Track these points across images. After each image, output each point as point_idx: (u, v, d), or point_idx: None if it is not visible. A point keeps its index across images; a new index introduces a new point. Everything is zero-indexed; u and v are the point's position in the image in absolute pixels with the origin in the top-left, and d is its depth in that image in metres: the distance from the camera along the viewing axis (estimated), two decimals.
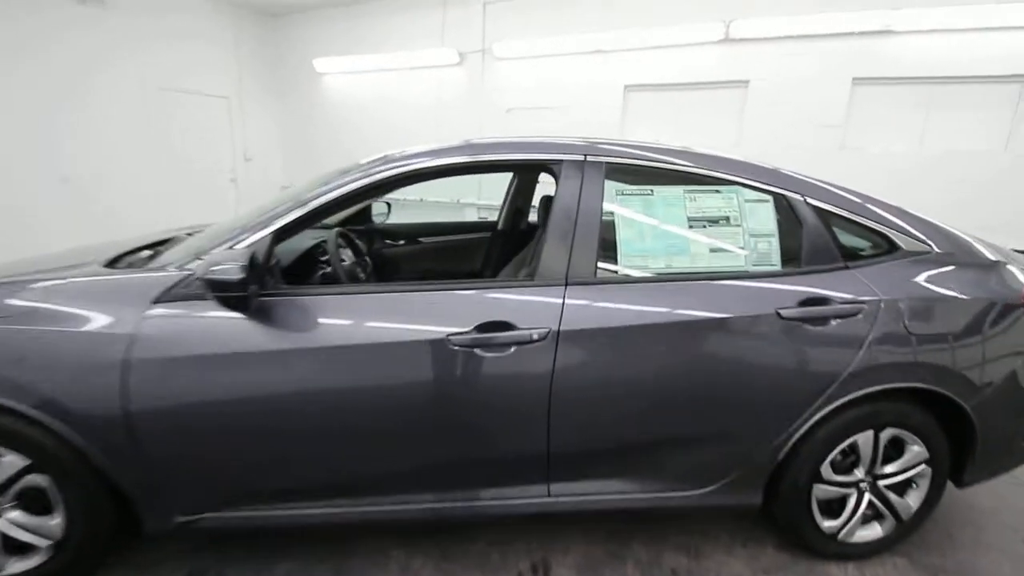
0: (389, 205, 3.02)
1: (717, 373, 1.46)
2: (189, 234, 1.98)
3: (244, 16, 6.77)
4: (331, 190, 1.44)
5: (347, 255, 1.93)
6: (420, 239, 2.95)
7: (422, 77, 6.15)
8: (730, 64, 4.68)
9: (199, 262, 1.33)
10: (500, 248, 2.86)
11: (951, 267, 1.58)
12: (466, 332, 1.36)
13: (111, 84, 5.51)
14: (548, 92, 5.47)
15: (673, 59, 4.88)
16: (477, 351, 1.36)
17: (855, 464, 1.63)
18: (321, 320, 1.36)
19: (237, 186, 7.05)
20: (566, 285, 1.43)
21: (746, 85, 4.67)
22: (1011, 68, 3.91)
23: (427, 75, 6.11)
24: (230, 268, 1.17)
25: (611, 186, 1.52)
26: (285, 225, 1.40)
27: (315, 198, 1.43)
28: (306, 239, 1.89)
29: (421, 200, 5.98)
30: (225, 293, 1.22)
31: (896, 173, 4.25)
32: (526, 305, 1.42)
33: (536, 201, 2.94)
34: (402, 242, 2.93)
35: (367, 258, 2.55)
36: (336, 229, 1.80)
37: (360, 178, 1.45)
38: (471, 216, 5.84)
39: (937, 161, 4.22)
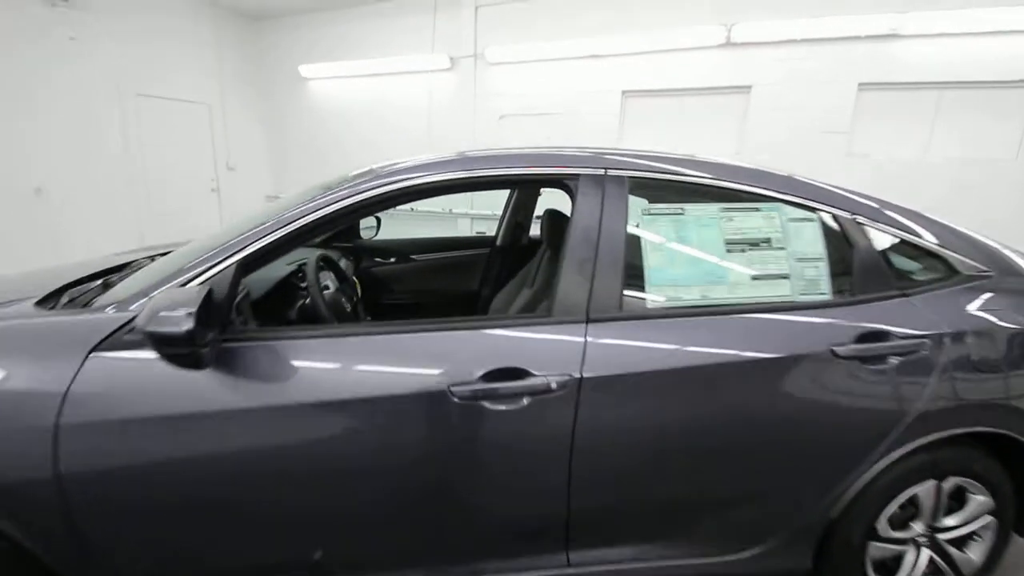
0: (379, 220, 2.79)
1: (764, 422, 1.26)
2: (152, 257, 1.74)
3: (226, 20, 6.53)
4: (309, 212, 1.21)
5: (330, 280, 1.70)
6: (412, 256, 2.72)
7: (412, 83, 5.94)
8: (732, 69, 4.53)
9: (145, 302, 1.10)
10: (499, 266, 2.65)
11: (1016, 294, 1.40)
12: (470, 382, 1.14)
13: (85, 90, 5.24)
14: (543, 99, 5.29)
15: (673, 64, 4.72)
16: (484, 404, 1.14)
17: (913, 517, 1.43)
18: (297, 370, 1.13)
19: (220, 196, 6.77)
20: (587, 321, 1.21)
21: (748, 91, 4.52)
22: (1022, 73, 3.78)
23: (417, 81, 5.90)
24: (176, 317, 0.93)
25: (635, 204, 1.31)
26: (253, 253, 1.17)
27: (289, 221, 1.21)
28: (282, 264, 1.67)
29: (412, 210, 5.75)
30: (172, 350, 0.98)
31: (902, 181, 4.11)
32: (541, 346, 1.20)
33: (537, 214, 2.79)
34: (393, 260, 2.70)
35: (354, 279, 2.33)
36: (317, 253, 1.58)
37: (344, 197, 1.23)
38: (464, 227, 5.63)
39: (945, 169, 4.09)
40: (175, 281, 1.12)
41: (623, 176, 1.31)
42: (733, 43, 4.44)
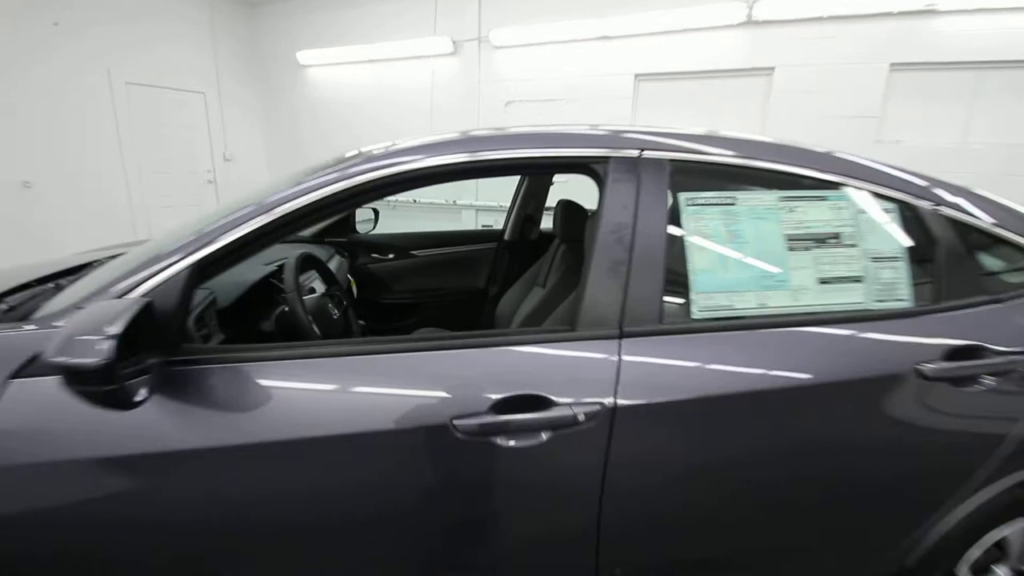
0: (376, 212, 2.57)
1: (835, 457, 1.04)
2: (113, 257, 1.53)
3: (219, 5, 6.27)
4: (279, 204, 0.99)
5: (317, 282, 1.49)
6: (413, 252, 2.50)
7: (413, 69, 5.68)
8: (753, 49, 4.25)
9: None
10: (507, 262, 2.43)
11: None
12: (478, 413, 0.92)
13: (73, 78, 5.02)
14: (551, 83, 5.02)
15: (689, 45, 4.44)
16: (495, 440, 0.92)
17: (998, 560, 1.22)
18: (262, 399, 0.91)
19: (217, 188, 6.56)
20: (621, 336, 0.99)
21: (771, 72, 4.24)
22: None
23: (419, 67, 5.64)
24: (91, 344, 0.71)
25: (676, 193, 1.08)
26: (213, 255, 0.95)
27: (257, 215, 0.98)
28: (259, 264, 1.45)
29: (415, 201, 5.54)
30: (85, 387, 0.75)
31: (938, 168, 3.81)
32: (563, 367, 0.98)
33: (543, 206, 2.56)
34: (391, 256, 2.48)
35: (348, 277, 2.11)
36: (298, 252, 1.35)
37: (322, 186, 1.00)
38: (469, 220, 5.39)
39: (983, 155, 3.82)
40: (110, 291, 0.90)
41: (662, 159, 1.07)
42: (755, 21, 4.16)
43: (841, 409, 1.02)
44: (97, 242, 1.65)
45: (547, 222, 2.46)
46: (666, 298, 1.02)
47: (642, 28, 4.51)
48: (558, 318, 1.48)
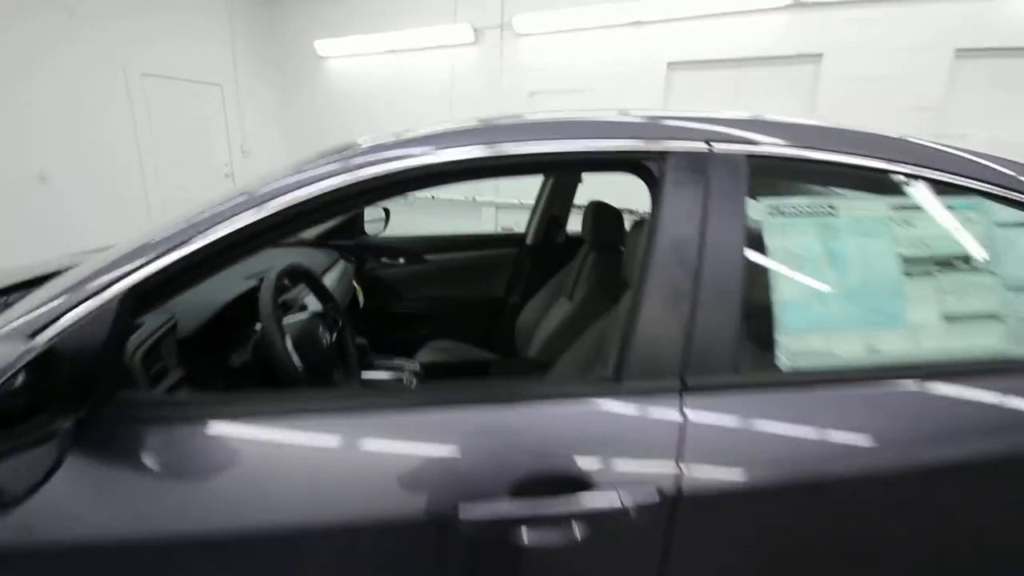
0: (387, 212, 2.35)
1: (974, 558, 0.78)
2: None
3: None
4: (227, 218, 0.76)
5: (310, 298, 1.27)
6: (426, 257, 2.28)
7: (433, 59, 5.46)
8: (799, 35, 3.90)
9: None
10: (530, 270, 2.19)
11: None
12: (491, 497, 0.69)
13: (88, 70, 4.94)
14: (577, 72, 4.73)
15: (728, 29, 4.10)
16: (513, 535, 0.69)
17: None
18: (204, 472, 0.69)
19: (234, 182, 6.46)
20: (683, 390, 0.74)
21: (819, 60, 3.89)
22: None
23: (438, 57, 5.42)
24: None
25: (753, 199, 0.83)
26: (152, 278, 0.73)
27: (222, 220, 0.76)
28: (239, 279, 1.23)
29: (433, 198, 5.33)
30: None
31: None
32: (606, 432, 0.73)
33: (571, 206, 2.30)
34: (402, 260, 2.26)
35: (355, 285, 1.90)
36: (281, 267, 1.13)
37: (290, 190, 0.77)
38: (489, 218, 5.15)
39: None
40: (15, 329, 0.69)
41: (738, 154, 0.81)
42: (801, 3, 3.82)
43: (985, 492, 0.76)
44: (112, 236, 1.46)
45: (574, 223, 2.22)
46: (744, 338, 0.77)
47: (677, 12, 4.19)
48: (589, 350, 1.24)
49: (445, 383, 0.77)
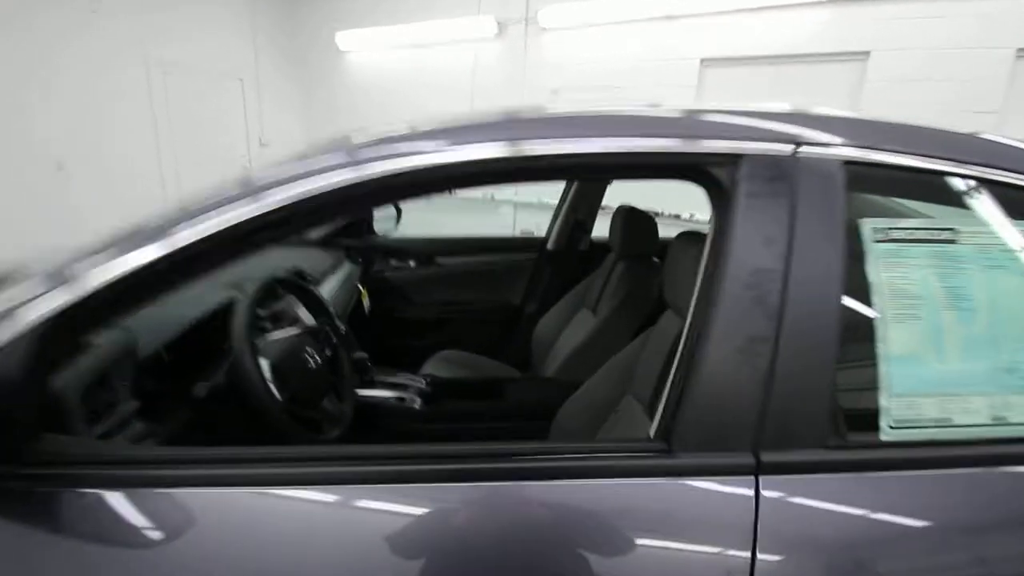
0: (399, 210, 2.20)
1: None
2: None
3: None
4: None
5: (301, 312, 1.11)
6: (438, 260, 2.12)
7: (456, 53, 5.31)
8: (844, 30, 3.65)
9: None
10: (550, 277, 2.02)
11: None
12: None
13: (109, 60, 4.90)
14: (603, 69, 4.54)
15: (765, 25, 3.87)
16: None
17: None
18: (145, 553, 0.54)
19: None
20: (759, 469, 0.56)
21: (865, 58, 3.63)
22: None
23: (461, 51, 5.27)
24: None
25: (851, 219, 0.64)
26: (62, 316, 0.57)
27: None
28: (217, 289, 1.08)
29: (451, 194, 5.18)
30: None
31: None
32: (652, 520, 0.56)
33: (597, 210, 2.12)
34: (412, 263, 2.11)
35: (359, 287, 1.76)
36: (266, 280, 0.96)
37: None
38: (507, 216, 4.98)
39: None
40: None
41: (833, 159, 0.63)
42: None
43: None
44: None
45: (599, 229, 2.04)
46: (843, 402, 0.59)
47: (712, 6, 3.96)
48: (619, 378, 1.07)
49: (449, 446, 0.61)
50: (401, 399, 1.33)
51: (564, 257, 2.06)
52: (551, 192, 2.16)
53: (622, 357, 1.18)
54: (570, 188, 2.03)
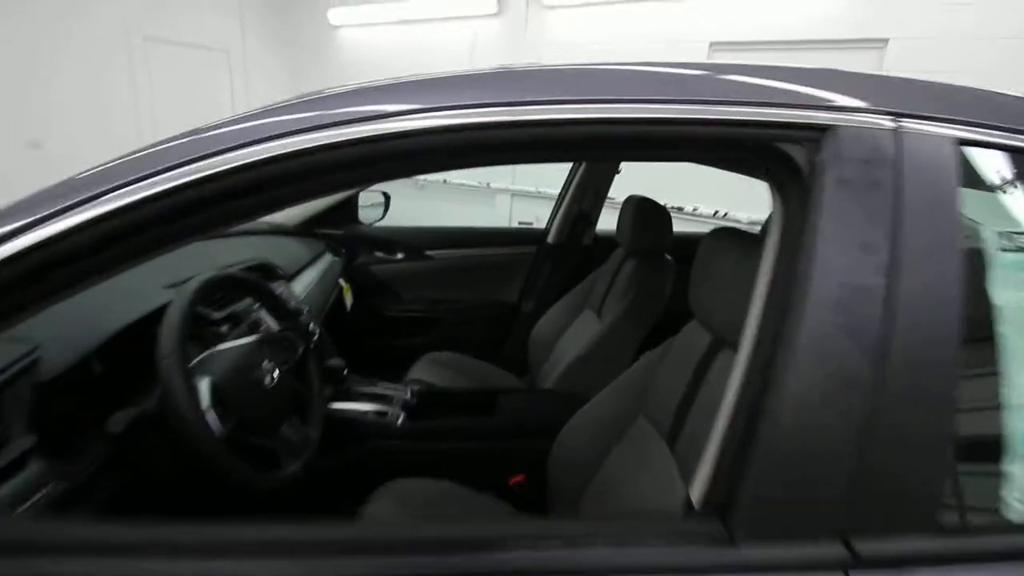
0: (387, 197, 2.03)
1: None
2: None
3: None
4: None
5: (266, 319, 0.94)
6: (428, 252, 1.95)
7: (453, 30, 5.10)
8: (861, 15, 3.49)
9: None
10: (550, 273, 1.87)
11: None
12: None
13: (86, 31, 4.65)
14: (608, 50, 4.34)
15: (778, 7, 3.70)
16: None
17: None
18: None
19: None
20: (851, 562, 0.41)
21: (883, 46, 3.47)
22: None
23: (459, 28, 5.05)
24: None
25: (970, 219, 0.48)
26: None
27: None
28: (159, 288, 0.90)
29: (445, 182, 5.00)
30: None
31: None
32: None
33: (604, 200, 1.95)
34: (400, 256, 1.94)
35: (342, 283, 1.59)
36: (209, 277, 0.79)
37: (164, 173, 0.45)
38: (503, 206, 4.80)
39: None
40: None
41: (946, 138, 0.47)
42: None
43: None
44: None
45: (605, 221, 1.89)
46: (963, 470, 0.43)
47: None
48: (634, 399, 0.91)
49: (424, 531, 0.45)
50: (382, 413, 1.17)
51: (566, 251, 1.90)
52: (551, 181, 1.99)
53: (635, 372, 1.02)
54: (575, 175, 1.86)
